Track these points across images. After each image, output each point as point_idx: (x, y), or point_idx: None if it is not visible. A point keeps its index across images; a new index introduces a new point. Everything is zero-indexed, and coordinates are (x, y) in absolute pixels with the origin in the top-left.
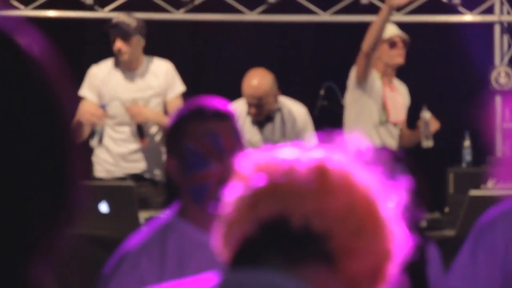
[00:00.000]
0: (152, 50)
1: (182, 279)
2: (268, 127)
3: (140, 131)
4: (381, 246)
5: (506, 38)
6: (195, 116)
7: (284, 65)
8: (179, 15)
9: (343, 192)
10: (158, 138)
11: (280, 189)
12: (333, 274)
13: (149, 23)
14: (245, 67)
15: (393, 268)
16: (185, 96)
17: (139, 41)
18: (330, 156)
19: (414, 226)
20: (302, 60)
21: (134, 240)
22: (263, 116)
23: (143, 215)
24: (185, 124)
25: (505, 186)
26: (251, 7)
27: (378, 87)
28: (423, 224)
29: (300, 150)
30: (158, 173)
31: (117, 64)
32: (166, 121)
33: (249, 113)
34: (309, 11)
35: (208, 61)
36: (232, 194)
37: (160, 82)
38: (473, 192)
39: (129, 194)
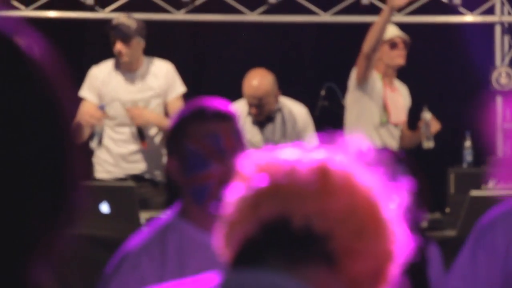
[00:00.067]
0: (152, 50)
1: (183, 279)
2: (269, 127)
3: (141, 134)
4: (383, 247)
5: (506, 38)
6: (196, 117)
7: (285, 66)
8: (180, 15)
9: (344, 193)
10: (158, 139)
11: (281, 189)
12: (334, 275)
13: (149, 23)
14: (245, 67)
15: (394, 269)
16: (186, 96)
17: (139, 43)
18: (331, 157)
19: (415, 226)
20: (302, 60)
21: (135, 241)
22: (263, 116)
23: (143, 216)
24: (186, 125)
25: (506, 187)
26: (252, 8)
27: (379, 88)
28: (424, 224)
29: (302, 151)
30: (158, 174)
31: (118, 65)
32: (167, 123)
33: (249, 113)
34: (310, 12)
35: (209, 62)
36: (233, 195)
37: (161, 83)
38: (474, 193)
39: (130, 194)
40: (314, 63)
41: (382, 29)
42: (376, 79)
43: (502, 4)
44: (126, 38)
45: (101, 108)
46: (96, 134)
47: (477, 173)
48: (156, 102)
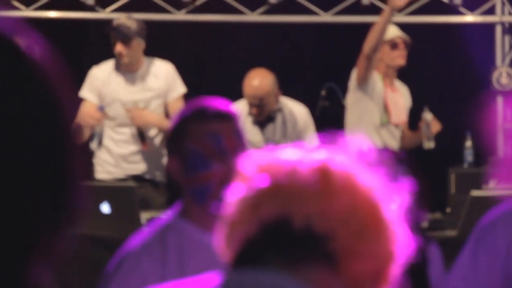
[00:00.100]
0: (153, 51)
1: (183, 279)
2: (269, 128)
3: (141, 135)
4: (383, 247)
5: (507, 38)
6: (197, 117)
7: (285, 66)
8: (180, 15)
9: (345, 194)
10: (158, 139)
11: (282, 190)
12: (335, 275)
13: (150, 23)
14: (246, 67)
15: (395, 269)
16: (187, 97)
17: (139, 44)
18: (332, 157)
19: (416, 227)
20: (303, 60)
21: (135, 240)
22: (264, 116)
23: (144, 216)
24: (187, 125)
25: (506, 187)
26: (252, 8)
27: (379, 89)
28: (425, 224)
29: (303, 151)
30: (158, 174)
31: (118, 66)
32: (167, 124)
33: (250, 113)
34: (310, 12)
35: (209, 62)
36: (234, 195)
37: (161, 83)
38: (475, 193)
39: (131, 194)
40: (314, 63)
41: (383, 30)
42: (376, 79)
43: (503, 4)
44: (126, 39)
45: (101, 108)
46: (96, 135)
47: (477, 173)
48: (156, 102)
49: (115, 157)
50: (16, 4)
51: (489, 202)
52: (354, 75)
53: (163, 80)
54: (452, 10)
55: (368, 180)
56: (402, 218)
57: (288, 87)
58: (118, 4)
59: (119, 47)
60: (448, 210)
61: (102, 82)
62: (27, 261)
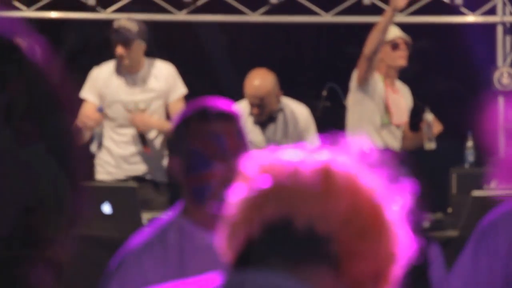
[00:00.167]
0: (154, 51)
1: (184, 279)
2: (270, 128)
3: (143, 139)
4: (385, 248)
5: (508, 38)
6: (199, 117)
7: (286, 66)
8: (181, 16)
9: (347, 195)
10: (159, 140)
11: (284, 191)
12: (337, 277)
13: (151, 24)
14: (247, 67)
15: (397, 270)
16: (187, 98)
17: (140, 46)
18: (334, 158)
19: (417, 228)
20: (304, 60)
21: (137, 240)
22: (265, 116)
23: (145, 216)
24: (188, 125)
25: (507, 187)
26: (254, 8)
27: (380, 89)
28: (426, 224)
29: (305, 152)
30: (159, 175)
31: (119, 67)
32: (169, 126)
33: (251, 113)
34: (311, 12)
35: (210, 62)
36: (236, 195)
37: (162, 84)
38: (476, 193)
39: (132, 195)
40: (315, 63)
41: (384, 31)
42: (377, 80)
43: (504, 4)
44: (126, 42)
45: (100, 110)
46: (95, 137)
47: (479, 173)
48: (157, 103)
49: (116, 158)
50: (17, 4)
51: (490, 203)
52: (355, 76)
53: (163, 81)
54: (453, 10)
55: (369, 181)
56: (403, 219)
57: (288, 87)
58: (119, 4)
59: (119, 50)
60: (449, 210)
61: (103, 83)
62: (28, 261)
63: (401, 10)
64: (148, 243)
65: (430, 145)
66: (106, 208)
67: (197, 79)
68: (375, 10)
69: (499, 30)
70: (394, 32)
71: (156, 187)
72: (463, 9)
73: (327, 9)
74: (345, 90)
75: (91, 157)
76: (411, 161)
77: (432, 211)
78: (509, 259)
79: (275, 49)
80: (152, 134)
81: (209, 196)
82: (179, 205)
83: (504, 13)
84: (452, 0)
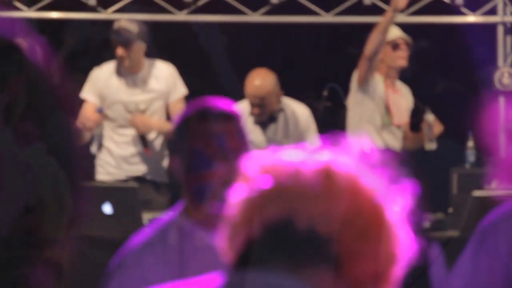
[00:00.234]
0: (154, 51)
1: (185, 279)
2: (271, 128)
3: (144, 141)
4: (386, 249)
5: (509, 38)
6: (199, 117)
7: (287, 66)
8: (182, 16)
9: (348, 195)
10: (159, 141)
11: (285, 191)
12: (338, 277)
13: (151, 24)
14: (247, 67)
15: (397, 271)
16: (188, 98)
17: (140, 46)
18: (335, 158)
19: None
20: (304, 60)
21: (137, 239)
22: (265, 116)
23: (146, 217)
24: (189, 125)
25: (508, 187)
26: (254, 8)
27: (381, 90)
28: (427, 224)
29: (306, 152)
30: (159, 175)
31: (119, 67)
32: (169, 127)
33: (251, 113)
34: (312, 12)
35: (211, 62)
36: (237, 196)
37: (162, 85)
38: (477, 193)
39: (133, 195)
40: (316, 64)
41: (385, 32)
42: (378, 81)
43: (505, 4)
44: (127, 43)
45: (99, 111)
46: (95, 138)
47: (479, 173)
48: (157, 104)
49: (116, 159)
50: (18, 4)
51: (491, 203)
52: (355, 76)
53: (164, 81)
54: (454, 10)
55: (370, 182)
56: (404, 219)
57: (289, 88)
58: (120, 4)
59: (119, 51)
60: (450, 210)
61: (103, 83)
62: (28, 261)
63: (402, 10)
64: (149, 243)
65: (431, 146)
66: (107, 209)
67: (197, 79)
68: (376, 10)
69: (500, 30)
70: (395, 33)
71: (157, 187)
72: (463, 9)
73: (327, 9)
74: (346, 90)
75: (91, 158)
76: (411, 161)
77: (432, 211)
78: (509, 259)
79: (276, 49)
80: (152, 135)
81: (209, 196)
82: (180, 205)
83: (504, 13)
84: (452, 0)
